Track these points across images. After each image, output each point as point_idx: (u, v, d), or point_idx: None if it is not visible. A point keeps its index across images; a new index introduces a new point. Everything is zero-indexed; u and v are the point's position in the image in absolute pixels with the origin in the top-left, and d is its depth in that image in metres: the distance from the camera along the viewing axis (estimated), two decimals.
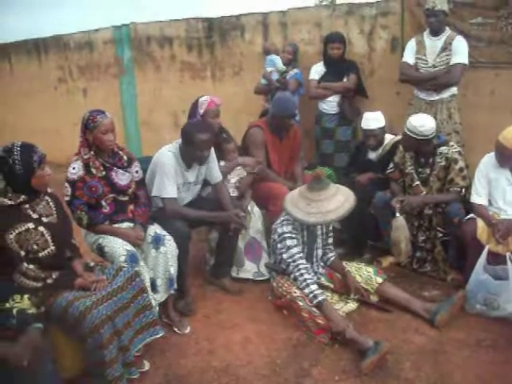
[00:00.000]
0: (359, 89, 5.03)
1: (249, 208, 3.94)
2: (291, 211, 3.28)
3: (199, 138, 3.49)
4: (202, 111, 3.96)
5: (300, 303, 3.22)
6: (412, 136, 3.71)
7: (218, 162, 3.94)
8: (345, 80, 4.95)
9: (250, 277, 3.96)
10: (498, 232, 3.32)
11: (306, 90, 5.15)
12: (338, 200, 3.22)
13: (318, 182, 3.27)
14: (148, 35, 6.86)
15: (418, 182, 3.90)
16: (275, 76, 5.13)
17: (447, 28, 4.33)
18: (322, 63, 5.04)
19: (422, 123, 3.67)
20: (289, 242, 3.36)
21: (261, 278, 3.94)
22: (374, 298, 3.53)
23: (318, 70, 5.03)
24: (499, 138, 3.40)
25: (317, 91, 5.01)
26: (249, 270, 3.96)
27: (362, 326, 3.26)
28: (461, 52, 4.20)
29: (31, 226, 2.66)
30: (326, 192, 3.23)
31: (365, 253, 4.24)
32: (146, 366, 2.97)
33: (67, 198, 3.15)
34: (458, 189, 3.72)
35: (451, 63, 4.22)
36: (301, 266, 3.31)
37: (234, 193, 4.03)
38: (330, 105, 4.97)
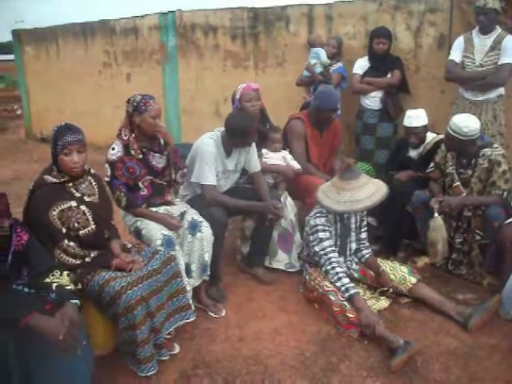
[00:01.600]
0: (403, 85, 4.96)
1: (282, 199, 3.94)
2: (321, 200, 3.31)
3: (246, 127, 3.56)
4: (238, 96, 3.99)
5: (332, 297, 3.21)
6: (455, 136, 3.64)
7: (260, 150, 3.95)
8: (389, 76, 4.88)
9: (282, 267, 3.97)
10: None
11: (349, 85, 5.11)
12: (369, 190, 3.22)
13: (348, 171, 3.29)
14: (193, 23, 6.91)
15: (458, 183, 3.84)
16: (319, 69, 5.11)
17: (497, 27, 4.22)
18: (366, 58, 4.98)
19: (466, 123, 3.60)
20: (321, 235, 3.36)
21: (292, 270, 3.95)
22: (407, 299, 3.50)
23: (361, 65, 4.98)
24: None
25: (360, 86, 4.96)
26: (281, 260, 3.98)
27: (393, 325, 3.24)
28: (510, 52, 4.10)
29: (74, 204, 2.74)
30: (356, 181, 3.24)
31: (399, 251, 4.21)
32: (177, 348, 3.02)
33: (107, 179, 3.22)
34: (500, 192, 3.65)
35: (499, 63, 4.13)
36: (333, 260, 3.32)
37: (270, 180, 4.05)
38: (373, 100, 4.92)
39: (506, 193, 3.65)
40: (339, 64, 5.17)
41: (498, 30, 4.21)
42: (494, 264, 3.71)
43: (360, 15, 5.43)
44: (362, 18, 5.42)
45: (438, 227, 3.68)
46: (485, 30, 4.21)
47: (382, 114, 4.92)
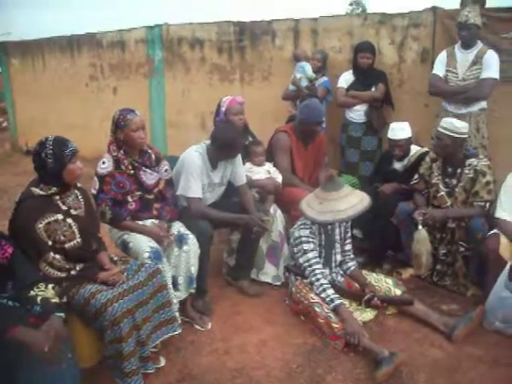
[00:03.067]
0: (387, 99, 5.02)
1: (271, 211, 3.96)
2: (304, 210, 3.35)
3: (233, 138, 3.59)
4: (223, 109, 4.02)
5: (317, 309, 3.23)
6: (447, 134, 3.70)
7: (244, 163, 3.98)
8: (373, 90, 4.94)
9: (269, 280, 3.98)
10: None
11: (334, 98, 5.16)
12: (351, 201, 3.27)
13: (331, 182, 3.35)
14: (180, 36, 6.94)
15: (443, 193, 3.88)
16: (304, 83, 5.15)
17: (479, 41, 4.31)
18: (350, 72, 5.05)
19: (458, 121, 3.71)
20: (305, 246, 3.39)
21: (278, 283, 3.97)
22: (391, 310, 3.53)
23: (346, 79, 5.04)
24: None
25: (344, 99, 5.01)
26: (268, 273, 3.99)
27: (378, 336, 3.26)
28: (492, 66, 4.18)
29: (60, 217, 2.73)
30: (338, 192, 3.29)
31: (385, 263, 4.24)
32: (162, 362, 3.01)
33: (94, 192, 3.22)
34: (482, 203, 3.70)
35: (481, 77, 4.21)
36: (317, 271, 3.35)
37: (257, 194, 4.07)
38: (357, 114, 4.98)
39: (488, 204, 3.70)
40: (324, 78, 5.23)
41: (480, 44, 4.30)
42: (477, 275, 3.75)
43: (345, 30, 5.50)
44: (347, 33, 5.50)
45: (422, 239, 3.72)
46: (467, 45, 4.29)
47: (367, 127, 4.98)
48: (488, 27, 4.53)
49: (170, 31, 7.05)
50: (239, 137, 3.66)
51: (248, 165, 4.12)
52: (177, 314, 3.08)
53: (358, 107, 4.96)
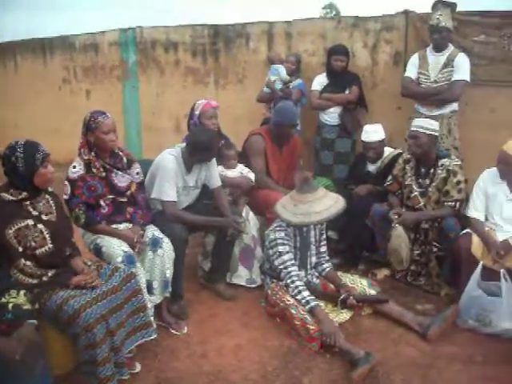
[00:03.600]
0: (360, 101, 5.06)
1: (244, 214, 3.96)
2: (279, 212, 3.36)
3: (209, 142, 3.59)
4: (197, 113, 4.02)
5: (293, 311, 3.23)
6: (423, 132, 3.77)
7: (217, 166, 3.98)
8: (347, 92, 4.97)
9: (243, 283, 3.97)
10: (496, 253, 3.34)
11: (308, 101, 5.18)
12: (326, 203, 3.28)
13: (306, 184, 3.36)
14: (154, 39, 6.91)
15: (416, 193, 3.93)
16: (279, 85, 5.16)
17: (450, 44, 4.38)
18: (324, 74, 5.07)
19: (429, 120, 3.82)
20: (281, 249, 3.39)
21: (253, 285, 3.96)
22: (367, 311, 3.55)
23: (320, 81, 5.06)
24: (503, 148, 3.44)
25: (318, 102, 5.03)
26: (242, 276, 3.98)
27: (354, 337, 3.28)
28: (463, 69, 4.25)
29: (31, 222, 2.68)
30: (313, 195, 3.30)
31: (360, 264, 4.27)
32: (138, 367, 2.98)
33: (66, 197, 3.17)
34: (452, 203, 3.75)
35: (453, 79, 4.27)
36: (292, 273, 3.35)
37: (229, 196, 4.05)
38: (331, 116, 5.00)
39: (458, 203, 3.75)
40: (299, 80, 5.24)
41: (451, 47, 4.37)
42: (451, 274, 3.79)
43: (319, 33, 5.54)
44: (321, 36, 5.54)
45: (400, 234, 3.76)
46: (438, 48, 4.36)
47: (340, 129, 5.00)
48: (459, 31, 4.61)
49: (143, 34, 7.01)
50: (215, 140, 3.65)
51: (220, 168, 4.10)
52: (152, 318, 3.05)
53: (331, 110, 4.99)
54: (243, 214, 3.95)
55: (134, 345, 2.90)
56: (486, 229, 3.55)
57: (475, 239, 3.49)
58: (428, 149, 3.83)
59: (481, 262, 3.34)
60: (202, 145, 3.58)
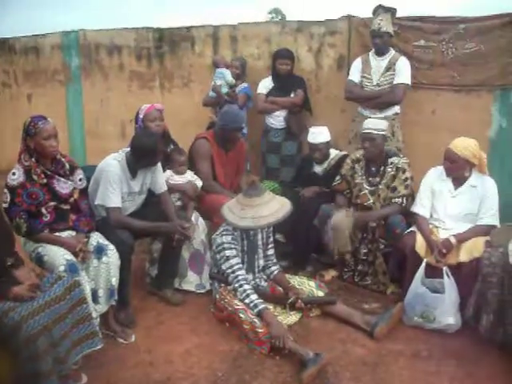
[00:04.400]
0: (305, 105, 5.10)
1: (193, 219, 3.92)
2: (226, 216, 3.35)
3: (152, 146, 3.53)
4: (141, 116, 3.99)
5: (242, 315, 3.22)
6: (378, 134, 3.87)
7: (164, 171, 3.93)
8: (292, 95, 5.01)
9: (192, 289, 3.94)
10: (438, 252, 3.43)
11: (254, 104, 5.20)
12: (273, 207, 3.29)
13: (253, 188, 3.36)
14: (97, 43, 6.77)
15: (366, 191, 4.00)
16: (225, 89, 5.15)
17: (391, 49, 4.49)
18: (270, 78, 5.10)
19: (378, 120, 3.95)
20: (228, 253, 3.38)
21: (202, 291, 3.93)
22: (315, 312, 3.57)
23: (265, 85, 5.09)
24: (450, 146, 3.55)
25: (264, 105, 5.05)
26: (191, 281, 3.94)
27: (303, 338, 3.30)
28: (404, 73, 4.37)
29: None
30: (260, 198, 3.30)
31: (308, 266, 4.30)
32: (84, 379, 2.89)
33: (5, 205, 3.06)
34: (399, 199, 3.85)
35: (394, 83, 4.38)
36: (240, 277, 3.34)
37: (177, 202, 4.02)
38: (277, 119, 5.03)
39: (404, 199, 3.85)
40: (244, 84, 5.25)
41: (392, 51, 4.48)
42: (396, 272, 3.88)
43: (264, 37, 5.57)
44: (266, 40, 5.57)
45: (340, 218, 3.86)
46: (380, 52, 4.46)
47: (286, 132, 5.03)
48: (400, 35, 4.74)
49: (86, 37, 6.86)
50: (158, 144, 3.60)
51: (169, 172, 4.06)
52: (97, 328, 2.97)
53: (277, 113, 5.01)
54: (192, 219, 3.92)
55: (79, 355, 2.82)
56: (430, 226, 3.64)
57: (419, 238, 3.57)
58: (382, 148, 3.94)
59: (424, 260, 3.42)
60: (146, 149, 3.53)
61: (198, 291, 3.94)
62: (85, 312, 2.84)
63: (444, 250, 3.42)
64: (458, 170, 3.60)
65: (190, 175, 4.14)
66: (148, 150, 3.53)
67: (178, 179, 4.07)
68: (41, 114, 3.21)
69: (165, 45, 6.22)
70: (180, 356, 3.17)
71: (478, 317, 3.23)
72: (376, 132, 3.87)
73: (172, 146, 4.22)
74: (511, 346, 3.06)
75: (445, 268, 3.34)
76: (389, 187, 3.93)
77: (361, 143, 4.02)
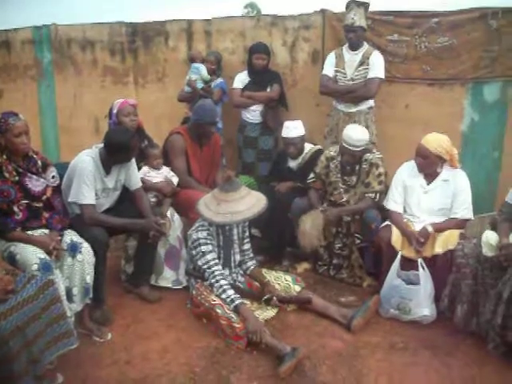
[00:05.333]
0: (281, 99, 5.09)
1: (168, 215, 3.90)
2: (202, 211, 3.34)
3: (126, 142, 3.48)
4: (115, 111, 3.95)
5: (218, 311, 3.22)
6: (360, 149, 3.89)
7: (140, 167, 3.90)
8: (268, 90, 5.00)
9: (169, 285, 3.92)
10: (417, 242, 3.47)
11: (230, 99, 5.17)
12: (248, 202, 3.30)
13: (228, 183, 3.35)
14: (69, 38, 6.65)
15: (341, 190, 4.02)
16: (200, 84, 5.12)
17: (365, 43, 4.50)
18: (245, 72, 5.07)
19: (358, 137, 3.87)
20: (203, 248, 3.37)
21: (179, 287, 3.92)
22: (292, 307, 3.58)
23: (241, 79, 5.06)
24: (422, 142, 3.58)
25: (240, 100, 5.02)
26: (168, 277, 3.93)
27: (280, 332, 3.32)
28: (377, 67, 4.38)
29: None
30: (235, 193, 3.30)
31: (284, 260, 4.32)
32: (60, 379, 2.86)
33: None
34: (373, 194, 3.88)
35: (368, 77, 4.40)
36: (216, 273, 3.34)
37: (153, 198, 3.99)
38: (253, 114, 5.01)
39: (378, 194, 3.88)
40: (220, 79, 5.22)
41: (366, 46, 4.49)
42: (372, 266, 3.93)
43: (238, 31, 5.53)
44: (240, 34, 5.53)
45: (307, 220, 3.89)
46: (354, 47, 4.47)
47: (263, 127, 5.01)
48: (373, 30, 4.76)
49: (58, 32, 6.73)
50: (132, 140, 3.55)
51: (145, 168, 4.03)
52: (72, 327, 2.93)
53: (253, 108, 4.99)
54: (168, 215, 3.89)
55: (54, 355, 2.78)
56: (405, 220, 3.67)
57: (395, 231, 3.61)
58: (358, 159, 3.98)
59: (399, 253, 3.46)
60: (119, 144, 3.48)
61: (175, 287, 3.92)
62: (59, 311, 2.80)
63: (422, 239, 3.46)
64: (429, 166, 3.63)
65: (166, 171, 4.11)
66: (121, 145, 3.49)
67: (155, 175, 4.05)
68: (12, 111, 3.15)
69: (138, 39, 6.14)
70: (157, 353, 3.15)
71: (452, 307, 3.29)
72: (358, 149, 3.87)
73: (146, 142, 4.18)
74: (485, 335, 3.11)
75: (420, 260, 3.38)
76: (363, 183, 3.96)
77: (342, 155, 4.01)
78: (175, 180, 4.09)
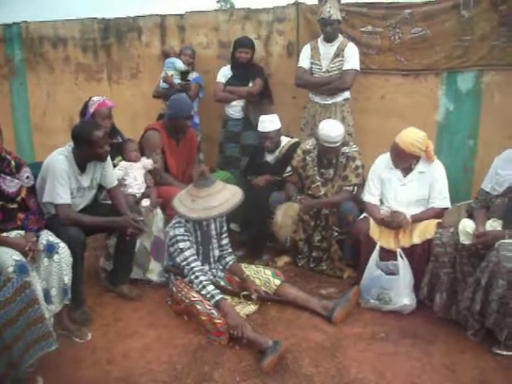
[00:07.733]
0: (265, 93, 5.03)
1: (150, 206, 3.90)
2: (177, 208, 3.31)
3: (95, 134, 3.39)
4: (91, 110, 3.90)
5: (199, 307, 3.20)
6: (338, 145, 3.89)
7: (115, 164, 3.87)
8: (250, 85, 4.93)
9: (155, 278, 3.91)
10: (394, 221, 3.50)
11: (213, 93, 5.09)
12: (223, 197, 3.26)
13: (203, 178, 3.31)
14: (41, 35, 6.55)
15: (318, 183, 4.02)
16: (177, 80, 5.07)
17: (340, 35, 4.51)
18: (229, 67, 5.01)
19: (333, 128, 3.87)
20: (181, 245, 3.35)
21: (164, 279, 3.85)
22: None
23: (224, 74, 4.99)
24: (396, 140, 3.59)
25: (223, 94, 4.95)
26: (155, 270, 3.92)
27: (262, 327, 3.31)
28: (352, 58, 4.40)
29: None
30: (210, 189, 3.27)
31: (264, 254, 4.32)
32: (40, 381, 2.81)
33: None
34: (350, 188, 3.90)
35: (344, 69, 4.41)
36: (195, 269, 3.33)
37: (140, 190, 3.98)
38: (235, 109, 4.95)
39: (355, 187, 3.90)
40: (195, 74, 5.19)
41: (341, 38, 4.51)
42: (351, 257, 3.95)
43: (212, 25, 5.52)
44: (214, 28, 5.52)
45: (281, 207, 3.89)
46: (329, 39, 4.47)
47: (245, 122, 4.94)
48: (347, 21, 4.76)
49: (29, 29, 6.63)
50: (100, 132, 3.44)
51: (124, 163, 3.99)
52: (51, 328, 2.89)
53: (235, 103, 4.94)
54: (149, 205, 3.89)
55: (33, 358, 2.76)
56: (382, 211, 3.69)
57: (372, 222, 3.63)
58: (336, 154, 3.98)
59: (378, 244, 3.48)
60: (86, 137, 3.38)
61: (161, 279, 3.89)
62: (37, 313, 2.77)
63: (400, 215, 3.50)
64: (404, 163, 3.66)
65: (143, 162, 4.10)
66: (88, 138, 3.38)
67: (135, 166, 4.03)
68: None
69: (111, 36, 6.08)
70: (139, 352, 3.13)
71: (431, 296, 3.32)
72: (336, 145, 3.88)
73: (119, 138, 4.14)
74: (464, 322, 3.15)
75: (398, 250, 3.41)
76: (340, 176, 3.97)
77: (321, 152, 4.02)
78: (150, 162, 4.09)
